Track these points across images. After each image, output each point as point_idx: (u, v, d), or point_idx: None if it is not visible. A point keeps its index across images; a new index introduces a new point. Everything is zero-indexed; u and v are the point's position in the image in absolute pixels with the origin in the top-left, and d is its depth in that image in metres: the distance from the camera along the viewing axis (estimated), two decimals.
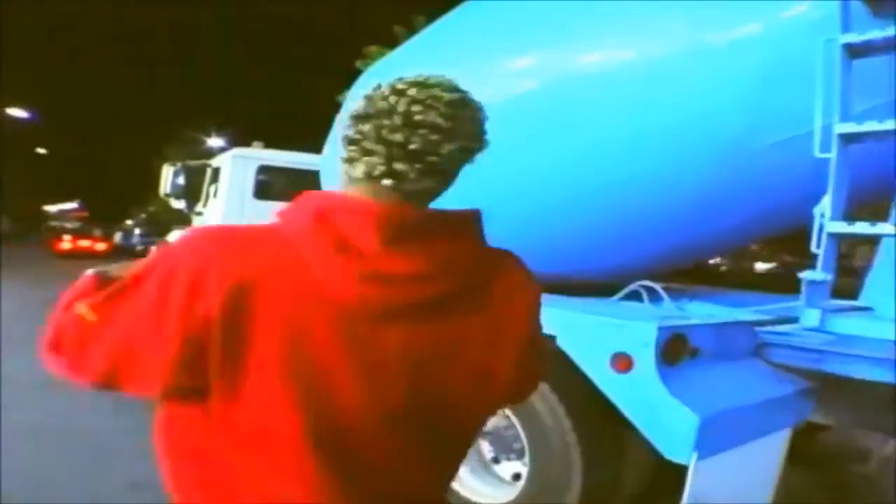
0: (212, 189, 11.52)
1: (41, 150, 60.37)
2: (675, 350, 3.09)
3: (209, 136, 44.04)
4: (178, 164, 12.04)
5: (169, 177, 11.96)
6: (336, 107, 19.80)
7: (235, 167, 11.14)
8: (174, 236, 14.31)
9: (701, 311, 3.92)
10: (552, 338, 3.30)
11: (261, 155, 11.52)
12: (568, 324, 3.30)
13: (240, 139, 40.89)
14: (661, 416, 2.93)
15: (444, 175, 1.29)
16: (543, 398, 3.42)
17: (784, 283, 4.80)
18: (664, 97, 3.59)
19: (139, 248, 32.32)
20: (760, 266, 31.77)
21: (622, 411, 3.09)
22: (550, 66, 4.03)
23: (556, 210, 4.31)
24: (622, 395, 3.08)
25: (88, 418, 6.08)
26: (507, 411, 3.72)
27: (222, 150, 43.17)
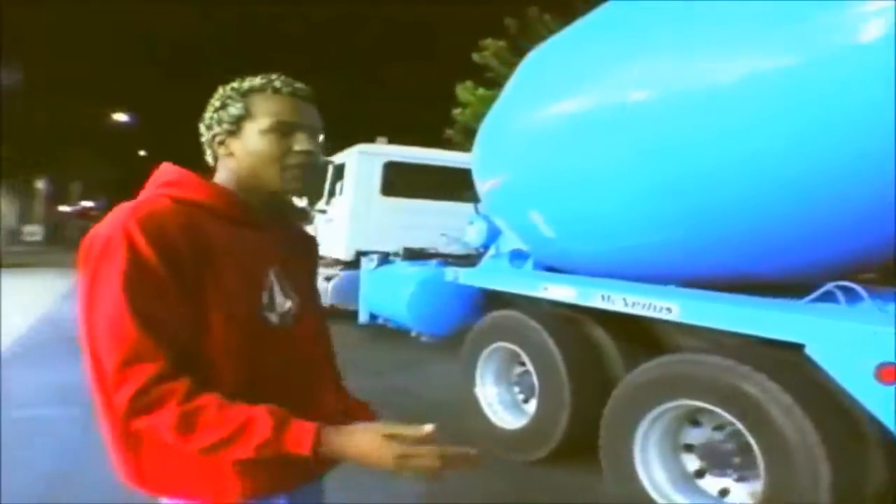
0: (337, 186, 11.57)
1: (142, 153, 62.31)
2: None
3: None
4: None
5: None
6: (452, 99, 19.82)
7: (361, 164, 11.18)
8: None
9: None
10: (800, 346, 3.14)
11: (387, 151, 11.53)
12: (822, 332, 3.11)
13: (337, 137, 41.79)
14: None
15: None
16: (786, 411, 3.24)
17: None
18: (860, 85, 3.34)
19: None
20: None
21: (887, 425, 2.90)
22: (741, 60, 3.82)
23: (743, 205, 4.11)
24: (889, 409, 2.89)
25: None
26: (737, 423, 3.54)
27: (326, 148, 44.18)
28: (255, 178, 1.60)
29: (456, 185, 12.36)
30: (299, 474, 1.58)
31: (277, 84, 1.60)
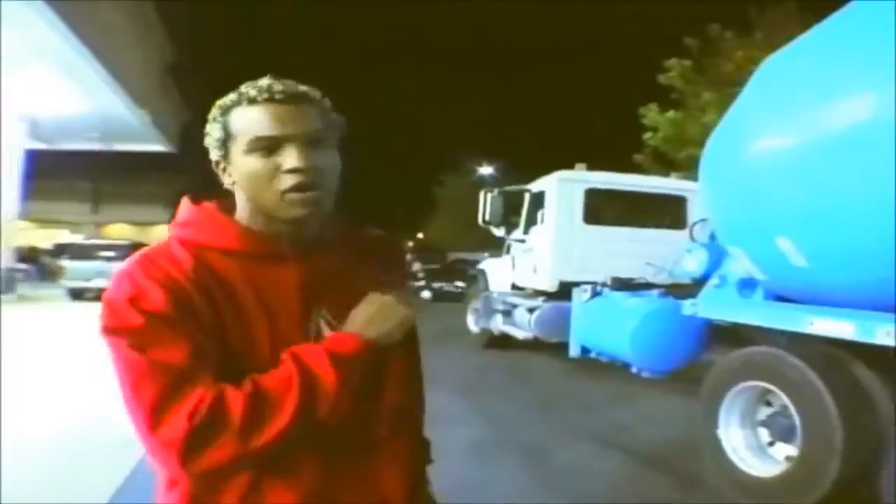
0: (538, 215, 11.50)
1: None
2: None
3: (480, 164, 45.77)
4: (496, 191, 12.19)
5: (488, 203, 12.10)
6: (637, 122, 19.67)
7: (562, 191, 11.10)
8: (486, 262, 14.62)
9: None
10: None
11: (588, 177, 11.40)
12: None
13: (512, 167, 42.45)
14: None
15: None
16: None
17: None
18: None
19: (420, 275, 32.54)
20: None
21: None
22: None
23: None
24: None
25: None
26: None
27: (494, 178, 44.77)
28: (258, 206, 1.40)
29: (656, 212, 12.12)
30: None
31: (252, 92, 1.37)
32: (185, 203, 1.48)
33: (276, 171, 1.35)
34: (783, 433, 4.95)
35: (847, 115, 4.18)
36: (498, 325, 12.43)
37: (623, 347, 7.74)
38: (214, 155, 1.44)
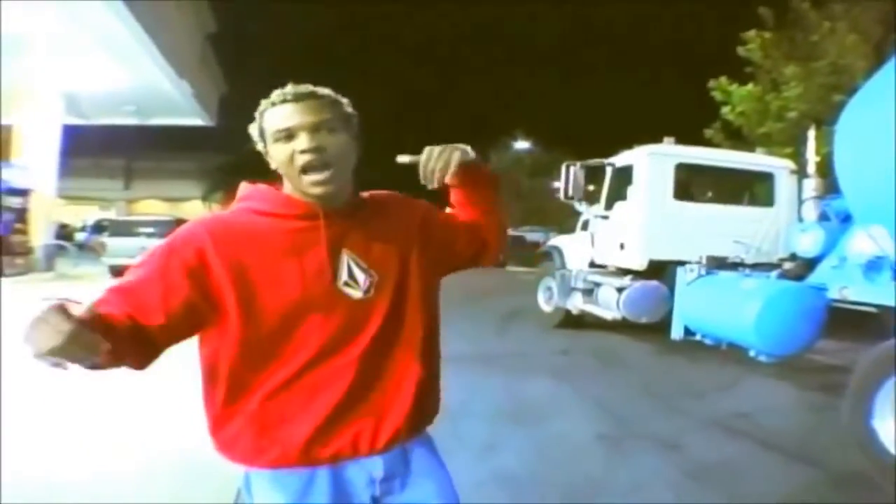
0: (624, 190, 11.41)
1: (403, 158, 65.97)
2: None
3: (515, 139, 45.56)
4: (578, 164, 12.06)
5: (570, 177, 12.00)
6: (706, 97, 19.33)
7: (653, 166, 11.00)
8: (560, 238, 14.53)
9: None
10: None
11: (678, 152, 11.31)
12: None
13: (550, 141, 42.01)
14: None
15: None
16: None
17: None
18: None
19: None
20: None
21: None
22: None
23: None
24: None
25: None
26: None
27: (530, 153, 44.30)
28: (292, 184, 1.89)
29: (745, 188, 12.04)
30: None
31: (274, 98, 1.88)
32: (245, 184, 2.01)
33: (294, 153, 1.84)
34: None
35: None
36: (578, 304, 12.35)
37: (744, 330, 7.65)
38: (260, 146, 1.94)
